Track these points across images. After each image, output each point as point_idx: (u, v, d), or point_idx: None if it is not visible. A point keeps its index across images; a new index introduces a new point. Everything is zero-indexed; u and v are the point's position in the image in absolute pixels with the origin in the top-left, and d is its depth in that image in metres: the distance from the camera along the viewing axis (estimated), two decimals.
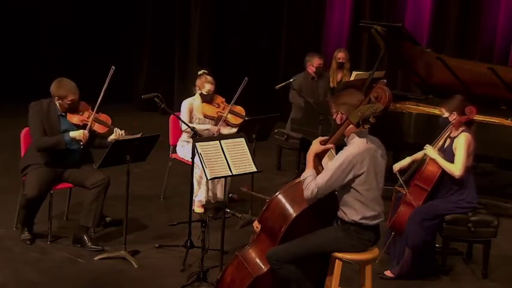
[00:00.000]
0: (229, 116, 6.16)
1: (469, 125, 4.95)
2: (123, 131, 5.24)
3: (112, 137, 5.23)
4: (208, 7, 10.31)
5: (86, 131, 5.13)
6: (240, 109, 6.26)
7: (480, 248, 5.09)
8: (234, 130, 6.11)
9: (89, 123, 5.17)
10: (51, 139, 5.14)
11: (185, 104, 6.20)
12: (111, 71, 5.20)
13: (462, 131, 4.91)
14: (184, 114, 6.12)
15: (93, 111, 5.22)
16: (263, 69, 10.18)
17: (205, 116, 6.18)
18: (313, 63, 7.36)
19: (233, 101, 6.16)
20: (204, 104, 6.18)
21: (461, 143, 4.84)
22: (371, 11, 9.37)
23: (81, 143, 5.14)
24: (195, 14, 10.36)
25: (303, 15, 10.01)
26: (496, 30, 8.52)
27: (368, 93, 3.87)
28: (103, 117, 5.30)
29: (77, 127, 5.20)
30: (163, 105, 5.00)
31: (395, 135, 6.43)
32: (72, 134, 5.13)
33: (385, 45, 6.65)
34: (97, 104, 5.21)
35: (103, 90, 5.21)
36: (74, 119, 5.21)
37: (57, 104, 5.20)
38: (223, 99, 6.27)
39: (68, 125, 5.22)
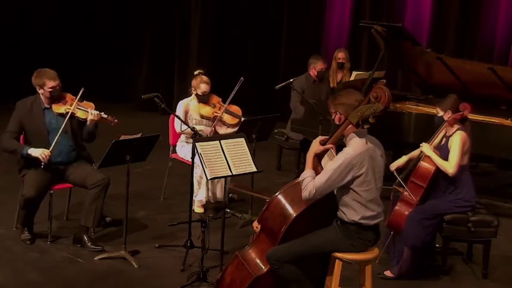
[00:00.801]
0: (225, 116, 6.15)
1: (462, 122, 4.97)
2: (101, 112, 5.24)
3: (89, 118, 5.21)
4: (208, 7, 10.31)
5: (48, 151, 5.05)
6: (236, 109, 6.24)
7: (480, 248, 5.09)
8: (231, 130, 6.12)
9: (70, 111, 5.17)
10: (13, 144, 5.18)
11: (180, 106, 6.19)
12: (81, 92, 5.21)
13: (457, 129, 4.93)
14: (179, 116, 6.10)
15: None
16: (263, 69, 10.18)
17: (202, 117, 6.17)
18: (316, 66, 7.33)
19: (228, 101, 6.15)
20: (200, 104, 6.18)
21: (456, 141, 4.86)
22: (371, 11, 9.36)
23: (42, 163, 5.05)
24: (195, 14, 10.35)
25: (303, 15, 10.01)
26: (496, 30, 8.52)
27: (368, 94, 3.87)
28: (85, 104, 5.31)
29: (62, 117, 5.19)
30: (163, 105, 5.01)
31: (395, 135, 6.43)
32: (31, 151, 5.09)
33: (385, 45, 6.65)
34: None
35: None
36: (59, 108, 5.22)
37: (42, 97, 5.23)
38: (220, 99, 6.25)
39: (53, 117, 5.23)
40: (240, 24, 10.35)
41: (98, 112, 5.24)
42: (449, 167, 4.83)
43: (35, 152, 5.07)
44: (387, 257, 5.06)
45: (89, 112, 5.22)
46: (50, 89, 5.17)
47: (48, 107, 5.24)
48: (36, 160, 5.08)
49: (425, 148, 4.97)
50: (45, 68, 5.28)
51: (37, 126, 5.20)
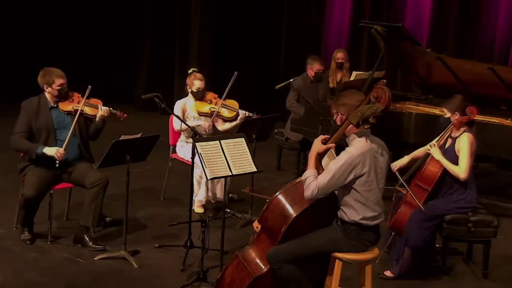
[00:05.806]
0: (223, 110, 6.15)
1: (470, 125, 4.94)
2: (110, 108, 5.29)
3: (99, 114, 5.26)
4: (208, 7, 10.32)
5: (62, 149, 5.08)
6: (232, 102, 6.22)
7: (480, 248, 5.09)
8: (228, 124, 6.15)
9: (79, 108, 5.20)
10: (26, 144, 5.16)
11: (178, 105, 6.20)
12: (88, 90, 5.23)
13: (464, 131, 4.90)
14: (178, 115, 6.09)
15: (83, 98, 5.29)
16: (263, 69, 10.18)
17: (200, 114, 6.17)
18: (313, 67, 7.34)
19: (225, 95, 6.15)
20: (197, 102, 6.18)
21: (464, 144, 4.82)
22: (371, 11, 9.37)
23: (57, 161, 5.08)
24: (194, 14, 10.36)
25: (303, 15, 10.01)
26: (496, 30, 8.53)
27: (368, 94, 3.87)
28: (93, 101, 5.34)
29: (69, 115, 5.23)
30: (163, 105, 5.02)
31: (395, 135, 6.42)
32: (46, 149, 5.10)
33: (385, 45, 6.65)
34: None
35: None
36: (67, 107, 5.25)
37: (48, 96, 5.25)
38: (216, 95, 6.25)
39: (60, 116, 5.25)
40: (240, 24, 10.35)
41: (107, 108, 5.28)
42: (461, 172, 4.79)
43: (50, 150, 5.08)
44: (387, 257, 5.06)
45: (98, 108, 5.27)
46: (59, 87, 5.19)
47: (55, 106, 5.26)
48: (47, 159, 5.08)
49: (435, 152, 4.89)
50: (51, 67, 5.30)
51: (45, 125, 5.21)
